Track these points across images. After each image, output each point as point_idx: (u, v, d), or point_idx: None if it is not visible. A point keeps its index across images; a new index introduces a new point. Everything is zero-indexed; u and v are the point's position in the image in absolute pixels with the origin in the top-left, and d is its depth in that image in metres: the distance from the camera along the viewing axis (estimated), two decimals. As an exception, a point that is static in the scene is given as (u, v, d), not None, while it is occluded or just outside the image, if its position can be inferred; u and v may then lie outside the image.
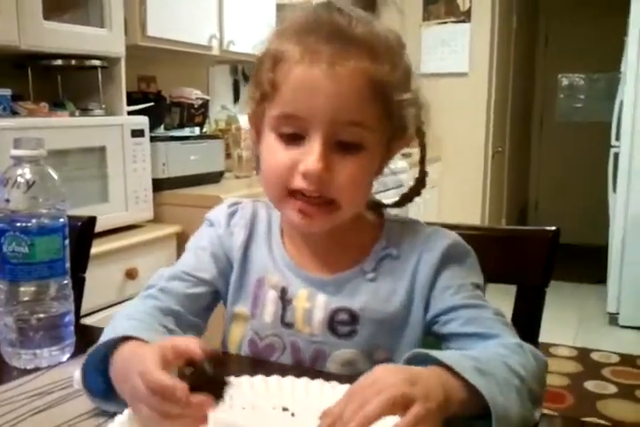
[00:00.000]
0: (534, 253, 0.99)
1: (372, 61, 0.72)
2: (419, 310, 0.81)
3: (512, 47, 4.76)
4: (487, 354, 0.69)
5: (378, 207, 0.89)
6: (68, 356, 0.82)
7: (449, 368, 0.62)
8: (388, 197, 0.93)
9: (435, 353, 0.64)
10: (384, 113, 0.75)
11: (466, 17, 4.18)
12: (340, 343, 0.81)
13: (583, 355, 3.04)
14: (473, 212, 4.21)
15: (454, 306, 0.78)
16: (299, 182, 0.74)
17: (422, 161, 0.88)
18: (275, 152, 0.76)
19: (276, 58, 0.75)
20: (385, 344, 0.81)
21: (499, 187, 4.71)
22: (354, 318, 0.81)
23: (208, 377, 0.60)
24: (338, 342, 0.81)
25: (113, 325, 0.74)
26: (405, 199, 0.90)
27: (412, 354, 0.66)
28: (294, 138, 0.75)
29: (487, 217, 4.40)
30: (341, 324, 0.81)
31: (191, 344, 0.60)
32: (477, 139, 4.23)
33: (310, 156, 0.72)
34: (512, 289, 1.00)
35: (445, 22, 4.23)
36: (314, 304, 0.82)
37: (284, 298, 0.84)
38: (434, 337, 0.81)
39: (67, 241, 0.81)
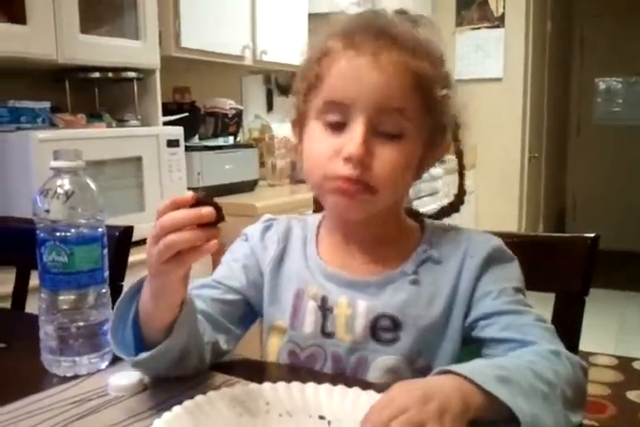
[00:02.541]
0: (573, 260, 0.98)
1: (413, 57, 0.76)
2: (459, 317, 0.80)
3: (547, 51, 4.71)
4: (516, 361, 0.68)
5: (416, 216, 0.89)
6: (106, 363, 0.82)
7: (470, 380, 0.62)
8: (424, 204, 0.93)
9: (455, 368, 0.64)
10: (424, 105, 0.77)
11: (500, 22, 4.15)
12: (383, 350, 0.81)
13: (624, 364, 2.97)
14: (510, 218, 4.16)
15: (494, 311, 0.78)
16: (341, 168, 0.76)
17: (461, 176, 0.90)
18: (319, 140, 0.79)
19: (321, 53, 0.79)
20: (425, 351, 0.80)
21: (535, 193, 4.65)
22: (396, 324, 0.80)
23: (208, 202, 0.65)
24: (380, 348, 0.81)
25: None
26: (443, 214, 0.92)
27: (436, 373, 0.65)
28: (338, 126, 0.78)
29: (524, 224, 4.34)
30: (384, 330, 0.81)
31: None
32: (513, 144, 4.18)
33: (353, 141, 0.75)
34: (551, 297, 0.98)
35: (479, 28, 4.21)
36: (355, 311, 0.82)
37: (325, 307, 0.84)
38: (475, 345, 0.80)
39: (105, 250, 0.82)
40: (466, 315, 0.80)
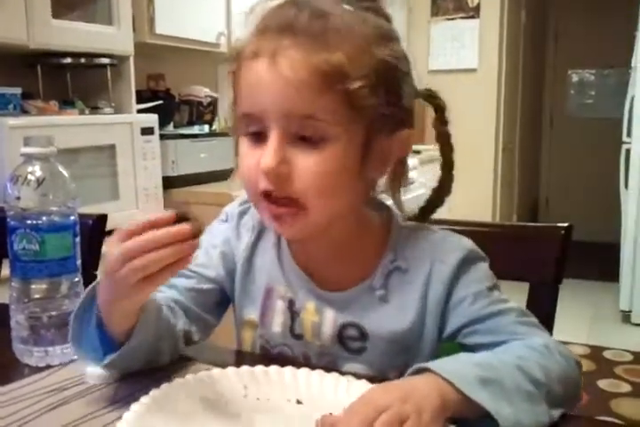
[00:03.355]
0: (547, 250, 0.98)
1: (317, 51, 0.67)
2: (432, 326, 0.78)
3: (521, 43, 4.73)
4: (502, 358, 0.68)
5: (383, 209, 0.84)
6: (79, 353, 0.81)
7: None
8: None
9: (435, 366, 0.63)
10: (342, 103, 0.68)
11: (475, 13, 4.16)
12: (351, 358, 0.79)
13: (596, 353, 3.02)
14: (483, 208, 4.19)
15: (474, 317, 0.75)
16: (262, 182, 0.70)
17: (445, 167, 0.83)
18: (243, 155, 0.74)
19: (233, 55, 0.74)
20: (397, 363, 0.77)
21: (509, 183, 4.69)
22: (363, 334, 0.79)
23: (187, 217, 0.64)
24: (348, 356, 0.80)
25: None
26: (428, 211, 0.85)
27: (415, 369, 0.65)
28: (259, 138, 0.71)
29: (498, 214, 4.38)
30: (351, 339, 0.79)
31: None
32: (487, 135, 4.21)
33: (266, 153, 0.69)
34: (525, 286, 0.99)
35: (454, 18, 4.21)
36: (322, 318, 0.80)
37: (292, 309, 0.82)
38: (452, 343, 0.78)
39: (77, 238, 0.81)
40: (441, 323, 0.77)
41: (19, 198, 0.77)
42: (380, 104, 0.70)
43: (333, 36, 0.68)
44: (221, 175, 2.50)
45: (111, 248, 0.64)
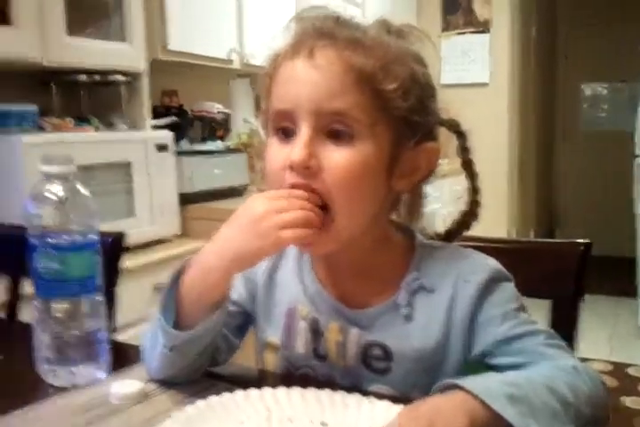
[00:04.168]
0: (566, 266, 0.98)
1: (353, 51, 0.70)
2: (457, 347, 0.77)
3: (532, 57, 4.73)
4: (530, 377, 0.67)
5: (408, 232, 0.84)
6: (104, 373, 0.81)
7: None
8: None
9: (464, 383, 0.62)
10: (373, 104, 0.71)
11: (485, 27, 4.17)
12: (376, 378, 0.78)
13: (619, 370, 2.97)
14: (499, 223, 4.16)
15: (502, 338, 0.74)
16: (289, 177, 0.71)
17: (472, 190, 0.84)
18: (272, 152, 0.75)
19: (271, 59, 0.76)
20: (421, 383, 0.76)
21: (525, 199, 4.66)
22: (388, 354, 0.78)
23: None
24: (373, 377, 0.78)
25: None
26: (454, 234, 0.85)
27: (442, 385, 0.64)
28: (289, 134, 0.73)
29: (514, 231, 4.35)
30: (375, 359, 0.78)
31: None
32: (500, 150, 4.19)
33: (296, 146, 0.70)
34: (545, 303, 0.98)
35: (464, 33, 4.22)
36: (346, 338, 0.79)
37: (316, 330, 0.81)
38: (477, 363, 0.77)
39: (99, 257, 0.81)
40: (467, 344, 0.77)
41: (40, 217, 0.77)
42: (409, 109, 0.72)
43: (370, 44, 0.72)
44: (236, 191, 2.50)
45: (255, 202, 0.70)
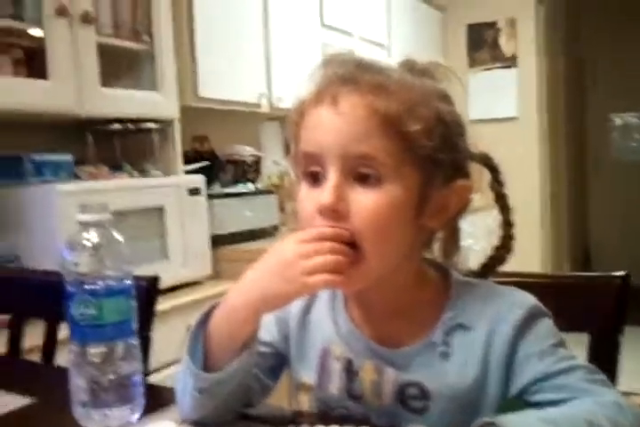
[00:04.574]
0: (605, 300, 0.96)
1: (376, 96, 0.71)
2: (495, 385, 0.76)
3: (561, 89, 4.73)
4: (570, 412, 0.66)
5: (443, 270, 0.83)
6: (138, 415, 0.81)
7: None
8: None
9: (502, 420, 0.61)
10: (399, 146, 0.71)
11: (512, 62, 4.19)
12: (414, 419, 0.77)
13: (662, 403, 2.87)
14: (533, 260, 4.10)
15: (542, 375, 0.73)
16: (319, 221, 0.72)
17: (506, 224, 0.83)
18: (302, 197, 0.76)
19: (297, 107, 0.77)
20: (459, 422, 0.75)
21: (558, 232, 4.60)
22: (425, 393, 0.77)
23: None
24: (411, 417, 0.77)
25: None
26: (489, 269, 0.84)
27: (481, 423, 0.63)
28: (318, 179, 0.74)
29: (549, 264, 4.28)
30: (412, 398, 0.77)
31: None
32: (531, 183, 4.16)
33: (325, 191, 0.71)
34: (584, 338, 0.96)
35: (491, 68, 4.25)
36: (382, 377, 0.79)
37: (350, 370, 0.81)
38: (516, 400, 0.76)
39: (134, 302, 0.82)
40: (505, 382, 0.75)
41: (76, 264, 0.79)
42: (435, 148, 0.72)
43: (393, 88, 0.72)
44: (268, 232, 2.52)
45: (284, 246, 0.71)
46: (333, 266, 0.68)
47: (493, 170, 0.83)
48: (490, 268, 0.85)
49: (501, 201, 0.83)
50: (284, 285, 0.69)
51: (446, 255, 0.83)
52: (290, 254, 0.69)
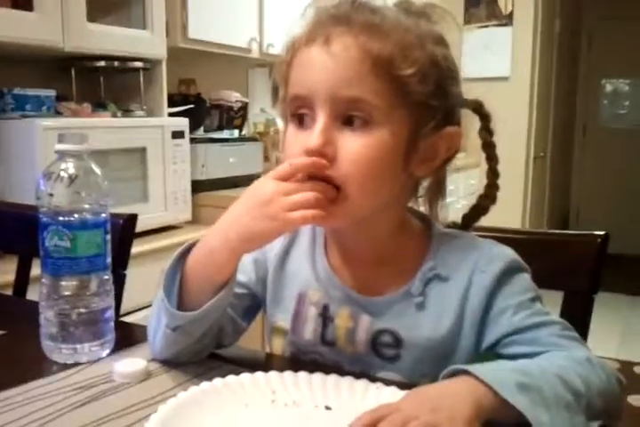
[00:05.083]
0: (582, 258, 0.96)
1: (369, 37, 0.69)
2: (469, 336, 0.76)
3: (554, 51, 4.69)
4: (543, 365, 0.66)
5: (426, 221, 0.83)
6: (107, 351, 0.81)
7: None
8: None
9: (474, 369, 0.61)
10: (390, 89, 0.69)
11: (508, 20, 4.13)
12: (385, 366, 0.77)
13: (627, 368, 2.94)
14: (513, 218, 4.14)
15: (516, 328, 0.73)
16: None
17: (492, 173, 0.83)
18: (289, 139, 0.75)
19: (288, 46, 0.75)
20: (431, 372, 0.74)
21: (540, 193, 4.63)
22: (398, 341, 0.77)
23: None
24: (382, 364, 0.78)
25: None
26: (471, 219, 0.84)
27: (452, 370, 0.64)
28: (306, 122, 0.73)
29: (528, 224, 4.32)
30: (385, 346, 0.77)
31: None
32: (518, 144, 4.16)
33: (312, 134, 0.70)
34: (559, 295, 0.97)
35: (487, 26, 4.19)
36: (357, 324, 0.78)
37: (326, 316, 0.80)
38: (488, 353, 0.76)
39: (108, 236, 0.81)
40: (480, 334, 0.76)
41: (51, 195, 0.77)
42: (427, 94, 0.71)
43: (387, 29, 0.70)
44: (250, 180, 2.49)
45: (264, 183, 0.70)
46: (314, 202, 0.67)
47: (484, 117, 0.81)
48: (473, 218, 0.84)
49: (489, 149, 0.82)
50: (264, 222, 0.67)
51: (430, 203, 0.81)
52: (269, 191, 0.68)
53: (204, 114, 2.60)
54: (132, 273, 1.09)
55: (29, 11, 1.69)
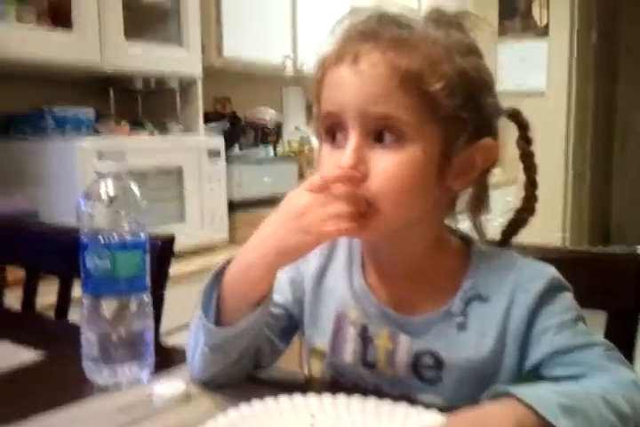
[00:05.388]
0: (625, 276, 0.94)
1: (397, 52, 0.69)
2: (511, 357, 0.74)
3: (592, 63, 4.62)
4: (586, 387, 0.64)
5: (465, 239, 0.82)
6: (147, 373, 0.81)
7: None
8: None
9: (516, 390, 0.60)
10: (420, 104, 0.69)
11: (544, 32, 4.09)
12: (426, 388, 0.76)
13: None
14: (553, 236, 4.07)
15: (558, 349, 0.71)
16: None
17: (530, 184, 0.82)
18: (324, 158, 0.75)
19: (319, 64, 0.75)
20: (472, 394, 0.72)
21: (580, 209, 4.55)
22: (439, 363, 0.75)
23: None
24: (422, 386, 0.76)
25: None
26: (510, 232, 0.82)
27: (494, 392, 0.62)
28: (340, 140, 0.72)
29: (568, 241, 4.25)
30: (426, 368, 0.76)
31: None
32: (556, 159, 4.11)
33: (345, 153, 0.70)
34: (602, 315, 0.94)
35: (522, 38, 4.16)
36: (396, 345, 0.77)
37: (365, 336, 0.79)
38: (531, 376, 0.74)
39: (147, 256, 0.81)
40: (522, 354, 0.74)
41: (92, 216, 0.78)
42: (457, 107, 0.70)
43: (415, 43, 0.70)
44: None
45: (298, 196, 0.69)
46: (348, 214, 0.67)
47: (522, 126, 0.80)
48: (512, 232, 0.82)
49: (527, 159, 0.81)
50: (299, 235, 0.67)
51: (473, 217, 0.80)
52: (303, 204, 0.68)
53: (239, 132, 2.62)
54: (169, 293, 1.09)
55: (68, 31, 1.73)
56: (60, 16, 1.76)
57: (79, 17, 1.74)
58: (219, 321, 0.73)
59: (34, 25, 1.70)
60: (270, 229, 0.70)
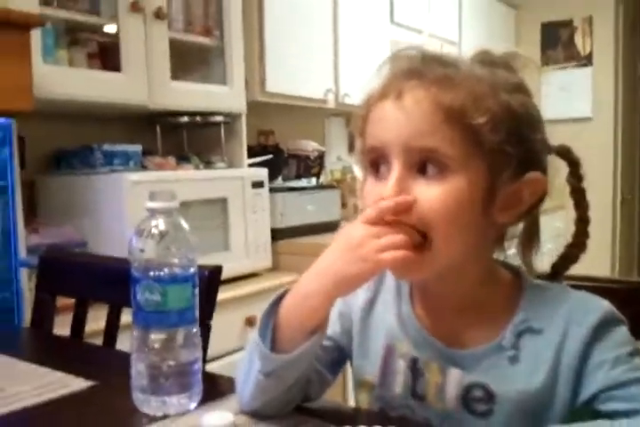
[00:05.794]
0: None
1: (440, 89, 0.70)
2: (564, 391, 0.73)
3: (637, 90, 4.56)
4: None
5: (515, 271, 0.81)
6: (195, 404, 0.82)
7: None
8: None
9: None
10: (464, 138, 0.70)
11: (587, 60, 4.07)
12: (476, 422, 0.75)
13: None
14: (602, 263, 3.98)
15: (613, 384, 0.70)
16: None
17: (581, 221, 0.82)
18: (367, 189, 0.76)
19: (364, 101, 0.77)
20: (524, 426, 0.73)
21: (629, 238, 4.44)
22: (490, 395, 0.74)
23: None
24: (473, 420, 0.75)
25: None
26: (561, 269, 0.82)
27: None
28: (383, 172, 0.74)
29: (617, 270, 4.15)
30: (477, 401, 0.75)
31: None
32: (604, 186, 4.04)
33: (387, 185, 0.71)
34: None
35: (566, 67, 4.14)
36: (446, 378, 0.77)
37: (415, 369, 0.79)
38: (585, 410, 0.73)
39: (197, 290, 0.83)
40: (575, 388, 0.72)
41: (143, 251, 0.80)
42: (502, 141, 0.70)
43: (459, 81, 0.71)
44: (328, 227, 2.52)
45: (354, 228, 0.70)
46: (403, 244, 0.68)
47: (572, 163, 0.80)
48: (562, 267, 0.82)
49: (578, 196, 0.81)
50: (357, 265, 0.68)
51: (523, 251, 0.80)
52: (359, 235, 0.69)
53: (283, 163, 2.66)
54: (214, 320, 1.10)
55: (117, 71, 1.80)
56: (109, 58, 1.83)
57: (127, 59, 1.82)
58: (274, 349, 0.73)
59: (84, 68, 1.78)
60: (328, 261, 0.71)
